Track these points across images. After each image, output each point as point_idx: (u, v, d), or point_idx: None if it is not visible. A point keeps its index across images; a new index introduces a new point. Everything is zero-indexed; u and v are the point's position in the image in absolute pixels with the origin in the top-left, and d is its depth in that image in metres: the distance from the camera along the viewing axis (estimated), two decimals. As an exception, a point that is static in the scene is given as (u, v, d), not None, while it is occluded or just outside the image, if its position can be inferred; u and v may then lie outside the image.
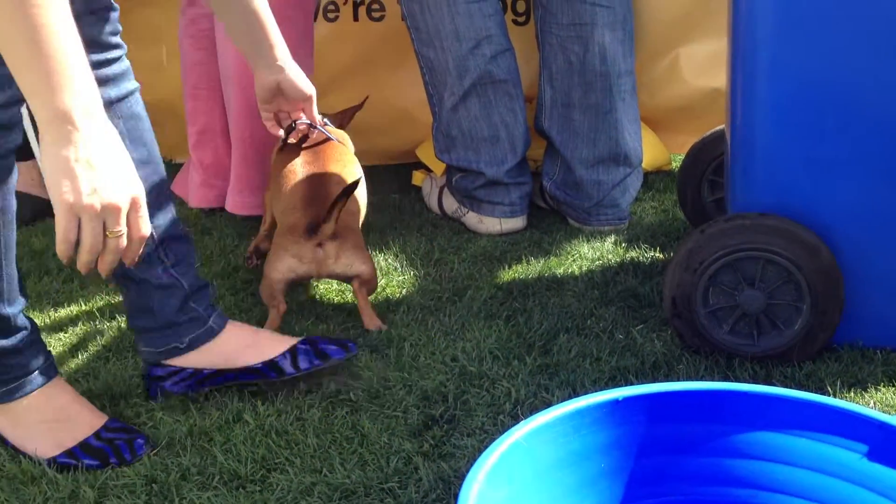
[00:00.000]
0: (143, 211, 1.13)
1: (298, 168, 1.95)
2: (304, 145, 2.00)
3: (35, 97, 1.04)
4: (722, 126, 2.09)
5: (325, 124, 1.99)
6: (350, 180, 1.90)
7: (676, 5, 2.56)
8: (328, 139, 2.01)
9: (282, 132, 1.89)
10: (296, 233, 1.81)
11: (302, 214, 1.83)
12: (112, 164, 1.08)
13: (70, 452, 1.47)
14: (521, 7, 2.64)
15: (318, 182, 1.91)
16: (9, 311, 1.44)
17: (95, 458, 1.46)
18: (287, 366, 1.62)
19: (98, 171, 1.07)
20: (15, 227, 1.43)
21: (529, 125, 2.36)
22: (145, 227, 1.13)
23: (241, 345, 1.64)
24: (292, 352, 1.63)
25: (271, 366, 1.62)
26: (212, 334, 1.63)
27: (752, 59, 1.63)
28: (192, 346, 1.62)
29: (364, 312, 1.86)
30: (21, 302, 1.47)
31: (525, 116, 2.34)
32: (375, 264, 2.16)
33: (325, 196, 1.85)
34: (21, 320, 1.47)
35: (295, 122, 1.86)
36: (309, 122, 1.86)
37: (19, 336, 1.46)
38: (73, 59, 1.05)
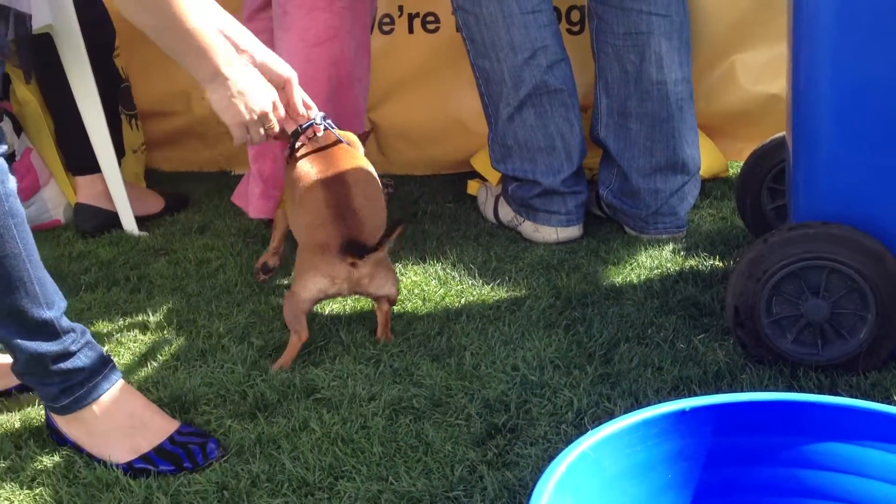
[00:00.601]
0: (279, 102, 1.70)
1: (316, 179, 1.87)
2: (313, 150, 1.93)
3: (197, 70, 1.55)
4: (781, 133, 2.08)
5: (325, 118, 1.94)
6: (371, 188, 1.88)
7: (732, 12, 2.54)
8: (338, 142, 1.95)
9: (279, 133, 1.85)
10: (328, 251, 1.76)
11: (332, 231, 1.78)
12: (253, 88, 1.62)
13: (146, 457, 1.52)
14: (575, 16, 2.64)
15: (342, 194, 1.84)
16: (49, 314, 1.48)
17: (170, 462, 1.50)
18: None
19: (247, 96, 1.60)
20: (29, 230, 1.48)
21: (585, 134, 2.37)
22: (282, 112, 1.73)
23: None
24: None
25: (25, 385, 1.68)
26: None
27: (813, 63, 1.62)
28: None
29: (384, 326, 1.88)
30: (60, 304, 1.51)
31: (581, 125, 2.34)
32: (434, 273, 2.19)
33: (352, 210, 1.81)
34: (65, 322, 1.51)
35: (301, 126, 1.86)
36: (319, 121, 1.86)
37: (68, 339, 1.51)
38: (212, 38, 1.53)
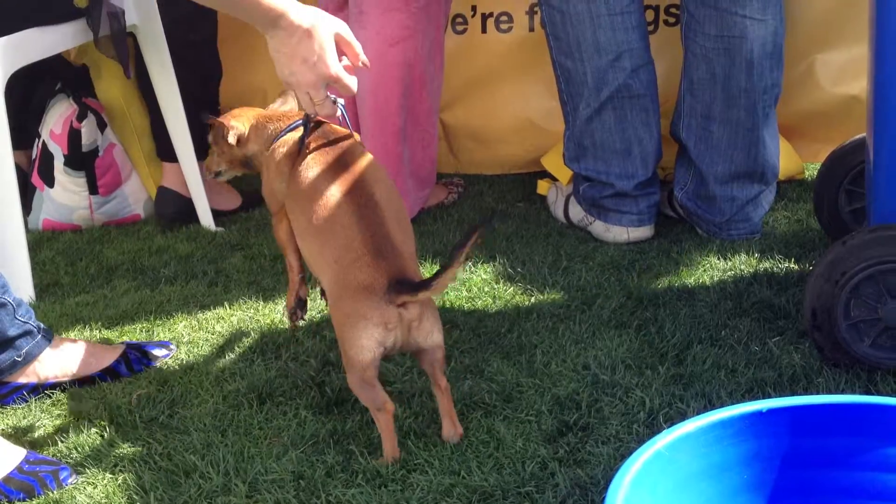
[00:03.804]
0: (352, 39, 1.52)
1: (340, 198, 1.53)
2: (321, 145, 1.61)
3: (255, 13, 1.44)
4: (861, 135, 2.04)
5: (335, 101, 1.55)
6: (397, 202, 1.57)
7: (812, 11, 2.51)
8: (349, 137, 1.63)
9: (296, 133, 1.63)
10: (374, 294, 1.44)
11: (375, 270, 1.45)
12: (323, 24, 1.47)
13: None
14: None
15: (376, 219, 1.50)
16: None
17: (22, 491, 1.52)
18: (123, 370, 1.85)
19: (317, 40, 1.45)
20: None
21: (664, 133, 2.34)
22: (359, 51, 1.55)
23: (77, 357, 1.82)
24: (125, 357, 1.85)
25: (108, 371, 1.84)
26: (45, 344, 1.80)
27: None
28: (29, 359, 1.77)
29: (447, 405, 1.54)
30: None
31: (659, 131, 2.30)
32: (503, 272, 2.20)
33: (390, 239, 1.48)
34: None
35: (308, 116, 1.59)
36: (335, 98, 1.53)
37: None
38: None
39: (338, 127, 1.64)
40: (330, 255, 1.50)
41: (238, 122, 1.71)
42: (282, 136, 1.66)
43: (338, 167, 1.56)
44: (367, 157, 1.60)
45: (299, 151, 1.61)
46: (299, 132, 1.63)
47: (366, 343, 1.44)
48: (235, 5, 1.46)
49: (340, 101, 1.55)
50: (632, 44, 2.21)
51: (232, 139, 1.69)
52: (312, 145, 1.60)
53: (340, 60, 1.50)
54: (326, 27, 1.46)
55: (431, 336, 1.48)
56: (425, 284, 1.44)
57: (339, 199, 1.52)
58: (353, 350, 1.45)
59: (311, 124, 1.61)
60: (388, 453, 1.49)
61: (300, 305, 1.72)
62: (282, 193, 1.63)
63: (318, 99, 1.49)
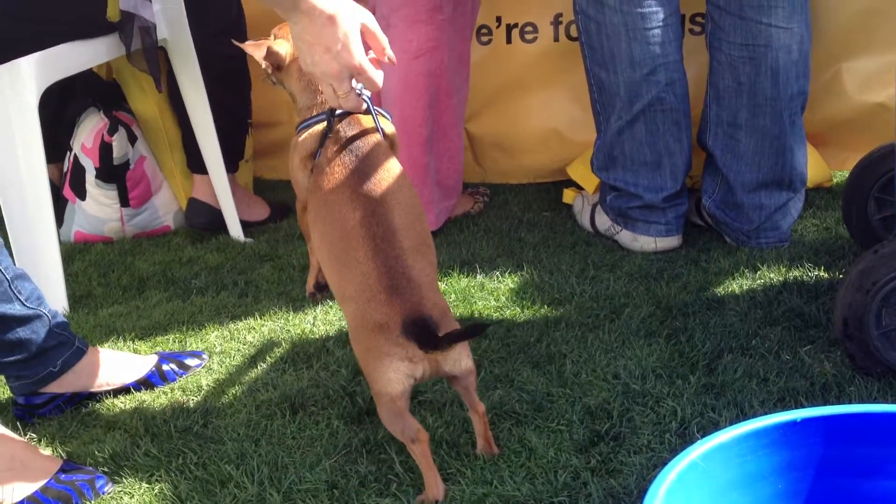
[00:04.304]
0: (377, 30, 1.44)
1: (352, 225, 1.44)
2: (342, 146, 1.51)
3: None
4: (890, 142, 2.04)
5: (360, 93, 1.46)
6: (420, 223, 1.48)
7: (839, 19, 2.50)
8: (374, 136, 1.53)
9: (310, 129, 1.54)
10: (390, 333, 1.39)
11: (390, 308, 1.39)
12: (347, 12, 1.38)
13: (33, 498, 1.54)
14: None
15: (391, 253, 1.42)
16: None
17: (59, 500, 1.54)
18: (157, 380, 1.89)
19: (341, 26, 1.36)
20: None
21: (692, 144, 2.33)
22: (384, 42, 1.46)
23: (112, 367, 1.85)
24: (158, 368, 1.89)
25: (142, 381, 1.87)
26: (80, 354, 1.82)
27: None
28: (65, 369, 1.79)
29: (483, 429, 1.52)
30: None
31: (690, 144, 2.29)
32: (531, 281, 2.20)
33: (406, 273, 1.41)
34: None
35: (333, 110, 1.50)
36: (360, 91, 1.44)
37: None
38: None
39: (364, 119, 1.53)
40: (347, 290, 1.45)
41: (280, 46, 1.58)
42: (307, 123, 1.56)
43: (357, 182, 1.47)
44: (389, 169, 1.50)
45: (320, 147, 1.53)
46: (323, 124, 1.54)
47: (392, 376, 1.39)
48: None
49: (367, 92, 1.47)
50: (667, 57, 2.20)
51: (260, 59, 1.58)
52: (333, 148, 1.51)
53: (367, 53, 1.42)
54: (352, 15, 1.38)
55: (460, 363, 1.43)
56: (432, 343, 1.37)
57: (356, 230, 1.44)
58: (380, 384, 1.40)
59: (334, 119, 1.52)
60: (431, 489, 1.43)
61: (319, 288, 1.71)
62: (305, 186, 1.57)
63: (341, 91, 1.40)
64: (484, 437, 1.52)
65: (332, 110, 1.52)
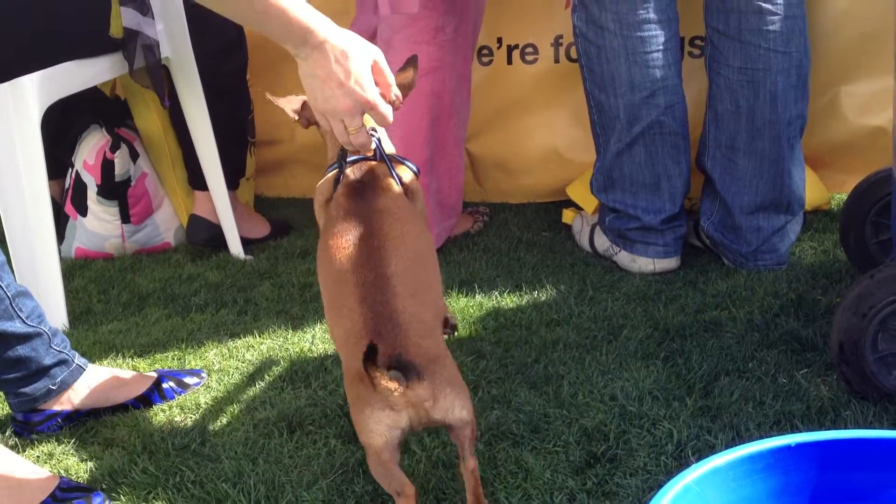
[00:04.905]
0: (386, 68, 1.45)
1: (344, 273, 1.41)
2: (351, 193, 1.50)
3: (284, 34, 1.37)
4: (887, 166, 2.05)
5: (375, 133, 1.48)
6: (418, 271, 1.44)
7: (837, 42, 2.52)
8: (386, 184, 1.51)
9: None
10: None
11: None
12: (357, 49, 1.39)
13: None
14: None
15: (380, 298, 1.37)
16: None
17: None
18: (155, 398, 1.89)
19: (352, 61, 1.37)
20: None
21: (691, 166, 2.35)
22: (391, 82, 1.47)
23: (110, 385, 1.86)
24: (157, 385, 1.89)
25: (141, 399, 1.87)
26: (80, 372, 1.83)
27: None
28: (64, 387, 1.81)
29: (473, 487, 1.39)
30: None
31: (689, 167, 2.30)
32: (530, 301, 2.21)
33: (393, 319, 1.35)
34: None
35: (345, 156, 1.49)
36: (371, 130, 1.46)
37: None
38: (305, 15, 1.36)
39: (377, 166, 1.52)
40: (338, 336, 1.42)
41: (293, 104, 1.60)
42: (332, 168, 1.56)
43: (356, 228, 1.45)
44: (395, 215, 1.47)
45: (331, 194, 1.53)
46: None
47: (374, 427, 1.32)
48: (266, 20, 1.35)
49: (378, 132, 1.49)
50: (667, 81, 2.21)
51: (291, 113, 1.59)
52: (341, 193, 1.50)
53: None
54: (363, 51, 1.39)
55: (452, 412, 1.34)
56: (370, 356, 1.26)
57: (347, 275, 1.40)
58: (364, 435, 1.34)
59: (345, 165, 1.52)
60: None
61: None
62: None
63: (352, 127, 1.41)
64: (474, 494, 1.39)
65: (344, 155, 1.52)
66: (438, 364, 1.34)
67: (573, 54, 2.69)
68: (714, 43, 2.23)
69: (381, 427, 1.32)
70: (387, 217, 1.46)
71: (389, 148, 1.59)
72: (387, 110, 1.42)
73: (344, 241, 1.44)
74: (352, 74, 1.37)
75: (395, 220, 1.46)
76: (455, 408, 1.34)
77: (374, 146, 1.50)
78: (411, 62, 1.58)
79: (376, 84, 1.42)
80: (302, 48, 1.36)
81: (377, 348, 1.25)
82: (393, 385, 1.27)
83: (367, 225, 1.45)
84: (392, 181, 1.52)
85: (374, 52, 1.42)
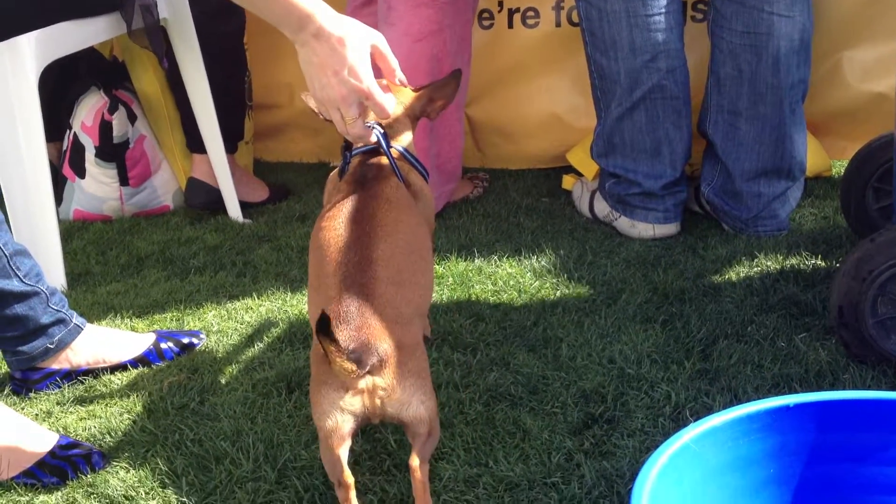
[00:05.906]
0: (388, 54, 1.44)
1: (333, 247, 1.39)
2: (354, 181, 1.49)
3: (282, 18, 1.35)
4: (889, 132, 2.04)
5: (384, 133, 1.47)
6: (405, 258, 1.40)
7: (840, 8, 2.50)
8: (387, 177, 1.49)
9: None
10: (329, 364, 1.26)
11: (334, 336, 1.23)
12: (356, 34, 1.37)
13: (29, 472, 1.54)
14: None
15: (359, 280, 1.33)
16: None
17: (55, 475, 1.54)
18: (154, 358, 1.89)
19: (349, 48, 1.35)
20: None
21: (692, 131, 2.33)
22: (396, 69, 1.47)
23: (109, 344, 1.86)
24: (156, 346, 1.89)
25: (139, 359, 1.88)
26: (78, 331, 1.83)
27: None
28: (62, 345, 1.81)
29: (420, 485, 1.28)
30: None
31: (690, 132, 2.29)
32: (529, 266, 2.21)
33: (367, 304, 1.30)
34: None
35: (350, 148, 1.48)
36: (375, 125, 1.45)
37: None
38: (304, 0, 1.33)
39: (382, 158, 1.51)
40: (313, 315, 1.36)
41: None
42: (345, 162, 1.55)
43: (351, 214, 1.42)
44: (391, 205, 1.44)
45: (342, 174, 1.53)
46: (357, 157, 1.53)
47: (326, 408, 1.25)
48: (267, 2, 1.34)
49: (379, 126, 1.46)
50: (668, 45, 2.19)
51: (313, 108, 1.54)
52: (344, 184, 1.49)
53: (377, 77, 1.40)
54: (362, 38, 1.36)
55: (409, 408, 1.26)
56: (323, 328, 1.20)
57: (333, 256, 1.37)
58: (315, 415, 1.28)
59: (350, 155, 1.51)
60: None
61: None
62: None
63: (349, 116, 1.38)
64: (423, 501, 1.29)
65: (350, 146, 1.51)
66: (406, 354, 1.28)
67: (575, 18, 2.67)
68: (717, 7, 2.22)
69: (331, 408, 1.25)
70: (382, 204, 1.44)
71: (405, 144, 1.56)
72: (385, 100, 1.39)
73: (336, 223, 1.42)
74: (347, 62, 1.34)
75: (390, 208, 1.44)
76: (413, 403, 1.27)
77: (374, 139, 1.47)
78: (454, 76, 1.55)
79: (378, 69, 1.40)
80: (300, 34, 1.34)
81: (329, 318, 1.18)
82: (350, 367, 1.22)
83: (363, 210, 1.43)
84: (394, 176, 1.50)
85: (375, 38, 1.40)
